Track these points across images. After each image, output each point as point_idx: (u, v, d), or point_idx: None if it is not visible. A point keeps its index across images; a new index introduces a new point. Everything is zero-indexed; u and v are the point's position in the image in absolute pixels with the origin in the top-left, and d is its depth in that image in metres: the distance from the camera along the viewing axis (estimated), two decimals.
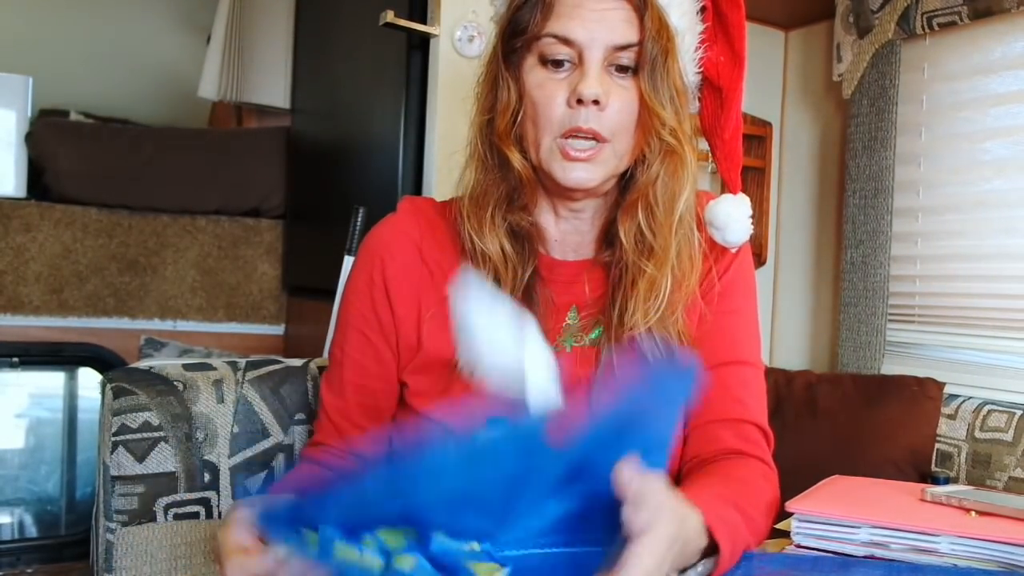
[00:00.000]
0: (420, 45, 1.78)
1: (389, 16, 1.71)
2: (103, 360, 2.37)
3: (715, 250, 0.97)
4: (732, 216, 0.95)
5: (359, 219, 1.77)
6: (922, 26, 1.62)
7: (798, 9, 1.97)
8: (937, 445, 1.46)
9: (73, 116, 3.06)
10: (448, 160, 1.76)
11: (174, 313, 2.46)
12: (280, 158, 2.58)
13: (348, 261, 1.76)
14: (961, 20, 1.56)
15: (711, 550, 0.73)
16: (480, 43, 1.73)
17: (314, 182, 2.41)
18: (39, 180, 2.38)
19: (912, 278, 1.74)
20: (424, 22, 1.74)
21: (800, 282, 2.04)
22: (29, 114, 2.43)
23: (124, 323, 2.40)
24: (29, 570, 2.29)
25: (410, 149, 1.82)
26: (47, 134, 2.42)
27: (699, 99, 0.98)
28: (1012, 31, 1.55)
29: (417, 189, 1.83)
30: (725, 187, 0.99)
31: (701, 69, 0.95)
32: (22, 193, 2.36)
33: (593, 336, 0.95)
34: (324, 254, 2.18)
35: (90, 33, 3.83)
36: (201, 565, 1.09)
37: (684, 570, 0.74)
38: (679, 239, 0.92)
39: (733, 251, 0.99)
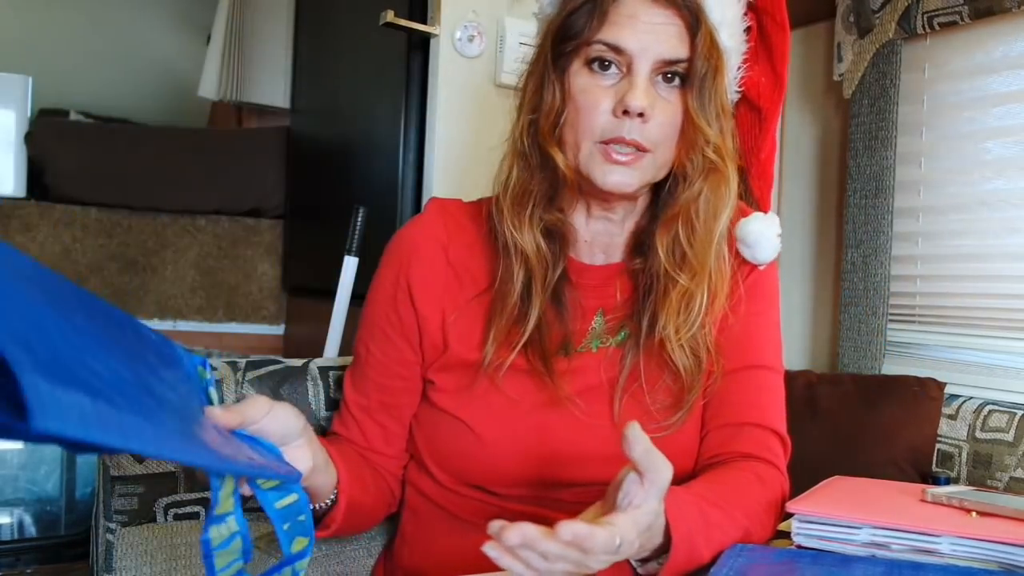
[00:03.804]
0: (420, 45, 1.78)
1: (389, 16, 1.71)
2: None
3: (739, 256, 0.99)
4: (763, 235, 0.97)
5: (359, 219, 1.77)
6: (923, 26, 1.62)
7: (798, 9, 1.96)
8: (938, 445, 1.46)
9: (73, 116, 3.06)
10: (448, 160, 1.76)
11: (174, 313, 2.46)
12: (280, 158, 2.58)
13: (348, 261, 1.75)
14: (962, 20, 1.55)
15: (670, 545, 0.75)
16: (480, 43, 1.73)
17: (314, 182, 2.41)
18: (39, 180, 2.39)
19: (913, 278, 1.74)
20: (424, 22, 1.74)
21: (800, 282, 2.03)
22: (29, 114, 2.44)
23: None
24: (29, 570, 2.28)
25: (410, 149, 1.82)
26: (47, 134, 2.42)
27: (733, 116, 0.98)
28: (1013, 31, 1.55)
29: (417, 189, 1.82)
30: (756, 205, 1.00)
31: (741, 88, 0.96)
32: (22, 193, 2.36)
33: (619, 339, 0.96)
34: (324, 254, 2.18)
35: (90, 33, 3.83)
36: (201, 565, 1.09)
37: (646, 560, 0.75)
38: (715, 254, 0.93)
39: (761, 268, 1.00)
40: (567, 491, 0.91)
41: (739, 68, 0.95)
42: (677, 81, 0.88)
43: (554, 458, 0.90)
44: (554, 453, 0.89)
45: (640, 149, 0.88)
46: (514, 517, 0.93)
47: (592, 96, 0.88)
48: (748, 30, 0.96)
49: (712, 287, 0.93)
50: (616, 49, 0.87)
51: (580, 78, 0.89)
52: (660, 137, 0.88)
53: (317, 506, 0.86)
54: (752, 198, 1.00)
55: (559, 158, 0.91)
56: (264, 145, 2.63)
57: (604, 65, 0.88)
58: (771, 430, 0.96)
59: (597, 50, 0.88)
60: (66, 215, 2.34)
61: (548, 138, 0.91)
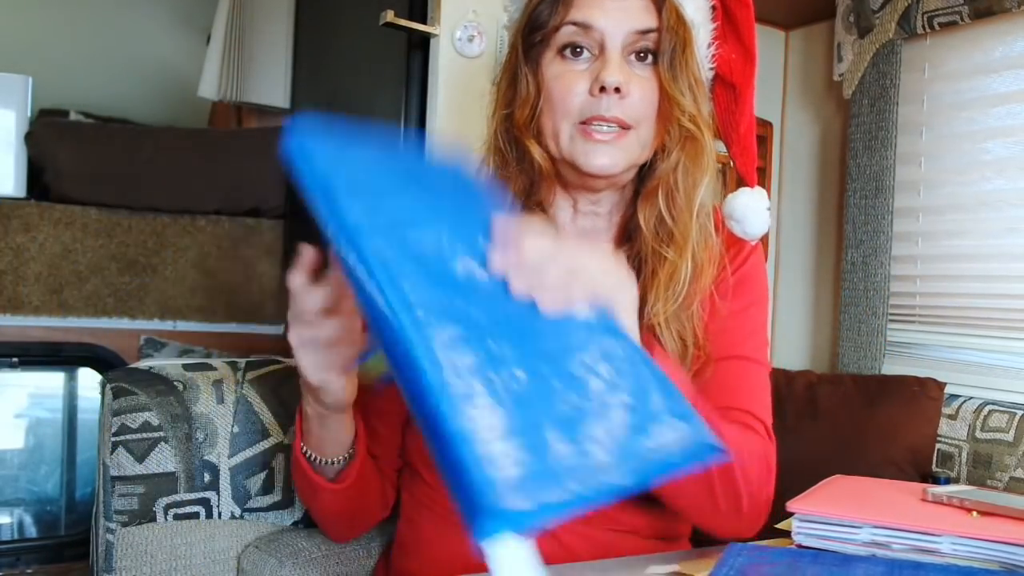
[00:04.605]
0: (420, 45, 1.78)
1: (389, 16, 1.71)
2: (103, 360, 2.37)
3: (731, 250, 0.98)
4: (750, 208, 0.96)
5: None
6: (923, 26, 1.62)
7: (799, 9, 1.97)
8: (938, 445, 1.46)
9: (73, 116, 3.05)
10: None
11: (174, 313, 2.45)
12: (280, 158, 2.58)
13: None
14: (962, 20, 1.56)
15: None
16: (480, 43, 1.73)
17: None
18: (39, 180, 2.38)
19: (913, 278, 1.74)
20: (424, 22, 1.74)
21: (800, 282, 2.04)
22: (29, 114, 2.43)
23: (124, 323, 2.39)
24: (29, 570, 2.28)
25: None
26: (47, 134, 2.41)
27: (711, 98, 0.98)
28: (1013, 31, 1.55)
29: None
30: (741, 181, 0.99)
31: (714, 66, 0.96)
32: (22, 193, 2.35)
33: None
34: (324, 254, 2.17)
35: (90, 33, 3.83)
36: (201, 565, 1.09)
37: None
38: (698, 227, 0.92)
39: (752, 243, 0.99)
40: None
41: (709, 45, 0.96)
42: (649, 59, 0.89)
43: None
44: None
45: (623, 126, 0.88)
46: None
47: (566, 81, 0.88)
48: (713, 9, 0.96)
49: (697, 260, 0.92)
50: (586, 28, 0.88)
51: (553, 66, 0.90)
52: (641, 114, 0.89)
53: (334, 460, 0.89)
54: (736, 174, 1.00)
55: (535, 150, 0.91)
56: (264, 145, 2.62)
57: (576, 51, 0.89)
58: (749, 413, 0.93)
59: (567, 32, 0.88)
60: (66, 215, 2.33)
61: (524, 130, 0.91)
